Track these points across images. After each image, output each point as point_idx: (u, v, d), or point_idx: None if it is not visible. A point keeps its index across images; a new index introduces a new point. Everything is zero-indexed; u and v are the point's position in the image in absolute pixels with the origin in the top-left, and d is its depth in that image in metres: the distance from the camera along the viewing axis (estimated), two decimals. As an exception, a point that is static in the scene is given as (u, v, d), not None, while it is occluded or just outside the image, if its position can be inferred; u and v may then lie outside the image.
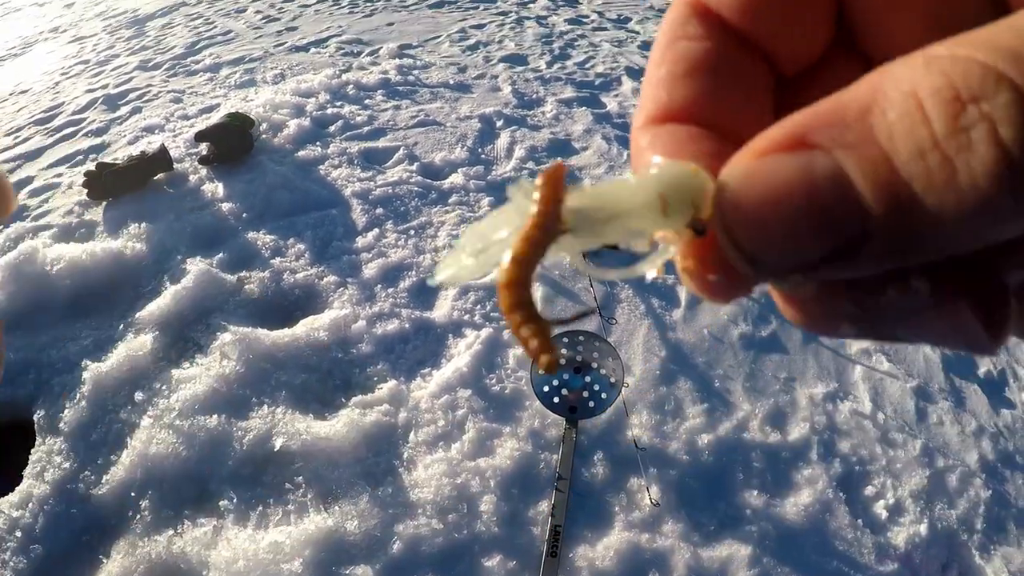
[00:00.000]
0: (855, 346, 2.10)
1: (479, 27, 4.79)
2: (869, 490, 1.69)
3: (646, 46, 4.50)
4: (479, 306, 2.16)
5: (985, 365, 2.08)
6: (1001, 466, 1.80)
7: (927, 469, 1.76)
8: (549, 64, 4.14)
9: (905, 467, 1.77)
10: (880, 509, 1.65)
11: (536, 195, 0.22)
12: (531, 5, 5.35)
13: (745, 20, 0.21)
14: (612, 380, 1.68)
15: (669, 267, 0.23)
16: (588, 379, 1.70)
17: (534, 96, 3.70)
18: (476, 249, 0.24)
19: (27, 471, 1.76)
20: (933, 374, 2.04)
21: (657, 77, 0.22)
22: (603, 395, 1.68)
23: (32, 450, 1.81)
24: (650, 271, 0.23)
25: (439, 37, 4.58)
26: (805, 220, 0.17)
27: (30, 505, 1.66)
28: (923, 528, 1.61)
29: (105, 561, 1.57)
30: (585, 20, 5.03)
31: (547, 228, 0.22)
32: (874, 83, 0.16)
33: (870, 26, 0.22)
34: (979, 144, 0.14)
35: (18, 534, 1.60)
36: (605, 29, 4.84)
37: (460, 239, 0.24)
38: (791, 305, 0.22)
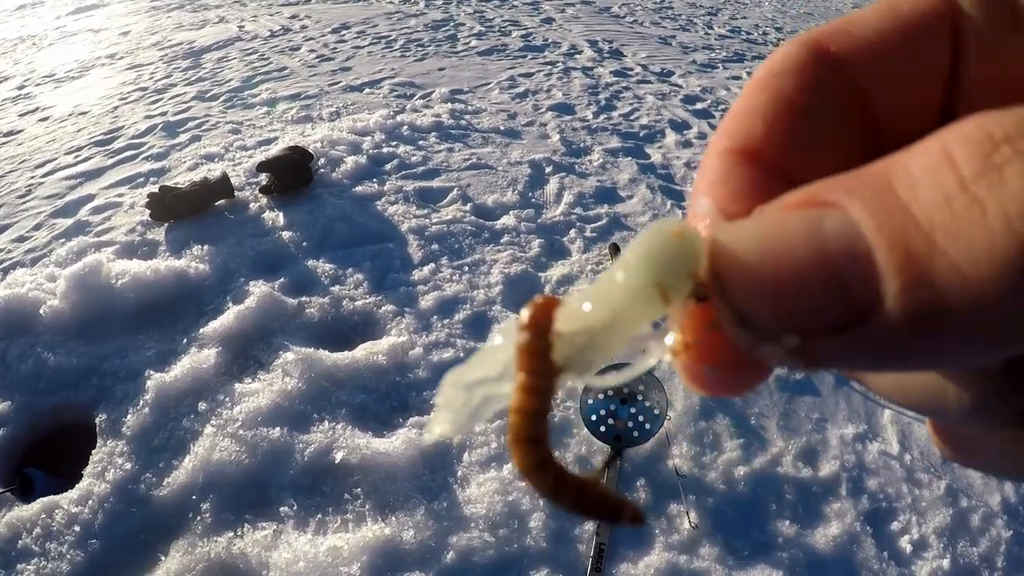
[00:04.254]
0: (885, 391, 2.17)
1: (527, 76, 4.88)
2: (895, 525, 1.75)
3: (688, 100, 4.58)
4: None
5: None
6: (1022, 509, 1.84)
7: (951, 508, 1.80)
8: (596, 114, 4.23)
9: (930, 505, 1.82)
10: (905, 543, 1.71)
11: (521, 337, 0.19)
12: (577, 56, 5.44)
13: (865, 61, 0.19)
14: (656, 412, 1.77)
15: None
16: (634, 410, 1.79)
17: (581, 145, 3.79)
18: (460, 401, 0.21)
19: (87, 470, 1.81)
20: (960, 419, 2.11)
21: (753, 105, 0.20)
22: (647, 425, 1.77)
23: (93, 451, 1.86)
24: (658, 357, 0.20)
25: (489, 84, 4.69)
26: (807, 276, 0.15)
27: (89, 502, 1.71)
28: (946, 563, 1.66)
29: (163, 558, 1.62)
30: (629, 72, 5.11)
31: (540, 372, 0.19)
32: (902, 151, 0.15)
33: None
34: (1014, 179, 0.12)
35: (76, 528, 1.65)
36: (649, 82, 4.93)
37: (440, 395, 0.22)
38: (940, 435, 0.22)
